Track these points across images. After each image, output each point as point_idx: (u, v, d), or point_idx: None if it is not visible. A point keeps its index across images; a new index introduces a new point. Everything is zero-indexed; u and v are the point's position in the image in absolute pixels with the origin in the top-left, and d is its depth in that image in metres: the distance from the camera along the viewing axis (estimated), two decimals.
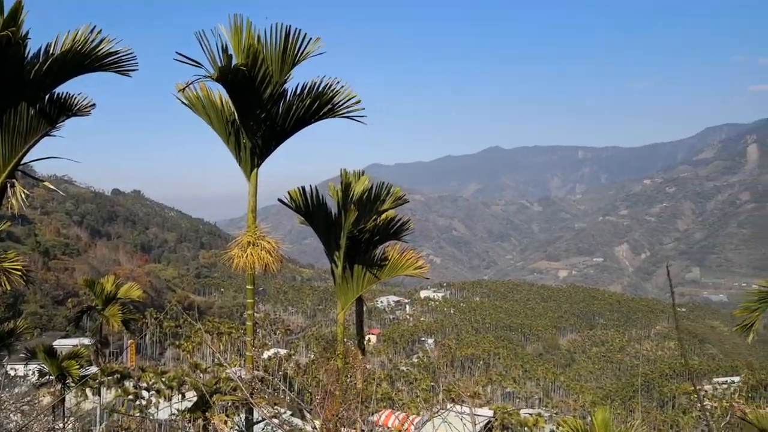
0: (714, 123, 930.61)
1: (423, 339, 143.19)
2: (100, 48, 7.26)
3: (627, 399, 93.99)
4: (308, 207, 10.59)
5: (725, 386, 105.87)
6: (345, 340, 10.98)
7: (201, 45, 8.25)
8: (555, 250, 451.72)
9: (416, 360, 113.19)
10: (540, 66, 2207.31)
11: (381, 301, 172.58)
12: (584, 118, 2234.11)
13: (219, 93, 9.52)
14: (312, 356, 78.36)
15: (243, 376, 9.29)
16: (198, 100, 9.52)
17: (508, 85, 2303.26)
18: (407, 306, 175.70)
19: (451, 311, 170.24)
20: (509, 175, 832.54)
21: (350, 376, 9.84)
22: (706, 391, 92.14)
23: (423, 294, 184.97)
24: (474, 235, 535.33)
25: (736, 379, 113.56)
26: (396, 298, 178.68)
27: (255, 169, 9.51)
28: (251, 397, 8.09)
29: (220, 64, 8.30)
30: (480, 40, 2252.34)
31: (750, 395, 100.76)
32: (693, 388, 74.80)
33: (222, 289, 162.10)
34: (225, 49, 8.20)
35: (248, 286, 9.44)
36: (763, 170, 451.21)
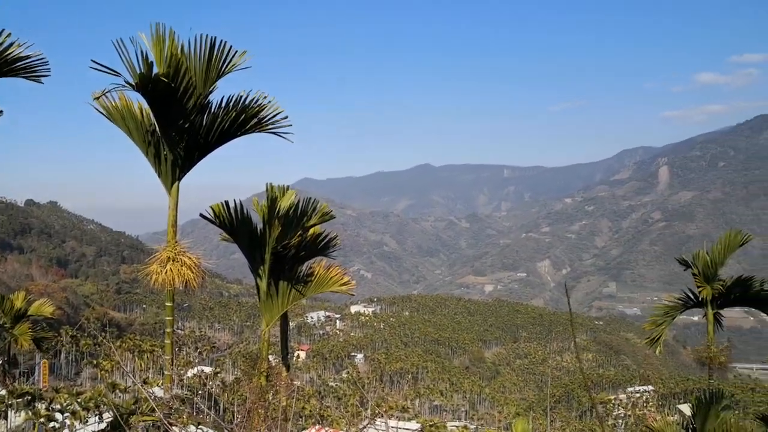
0: (629, 146, 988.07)
1: (353, 354, 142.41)
2: (8, 52, 6.90)
3: (549, 409, 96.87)
4: (232, 222, 10.34)
5: (638, 395, 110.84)
6: (272, 357, 10.78)
7: (119, 53, 7.99)
8: (481, 265, 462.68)
9: (345, 375, 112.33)
10: (468, 85, 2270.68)
11: (311, 317, 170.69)
12: (510, 139, 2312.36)
13: (139, 103, 9.23)
14: (238, 374, 76.35)
15: (161, 396, 8.94)
16: (116, 109, 9.18)
17: (437, 103, 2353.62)
18: (337, 321, 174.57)
19: (381, 326, 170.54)
20: (439, 192, 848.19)
21: (274, 394, 9.67)
22: (620, 400, 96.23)
23: (353, 309, 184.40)
24: (404, 250, 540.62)
25: (650, 388, 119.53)
26: (326, 314, 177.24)
27: (176, 182, 9.24)
28: (169, 418, 7.79)
29: (140, 73, 8.06)
30: (409, 58, 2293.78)
31: (661, 403, 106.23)
32: (589, 396, 77.91)
33: (144, 306, 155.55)
34: (145, 58, 7.97)
35: (167, 303, 9.12)
36: (672, 191, 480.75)
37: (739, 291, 12.67)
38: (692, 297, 12.87)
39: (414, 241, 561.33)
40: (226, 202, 10.22)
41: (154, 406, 7.35)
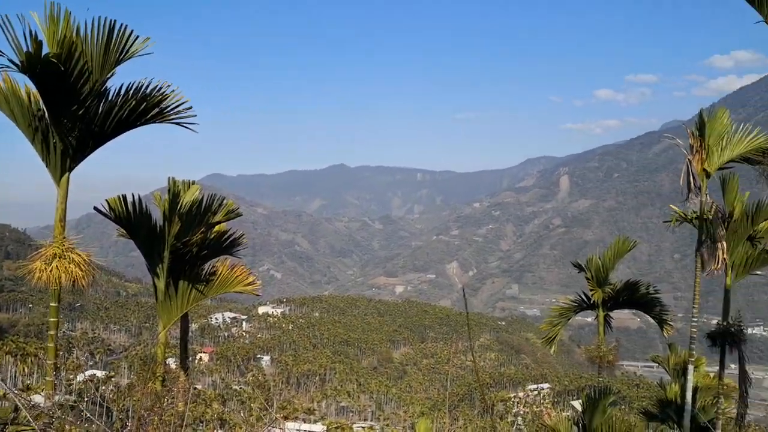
0: (534, 155, 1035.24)
1: (259, 356, 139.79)
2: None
3: (452, 408, 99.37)
4: (129, 217, 9.78)
5: (535, 393, 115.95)
6: (171, 359, 10.29)
7: (4, 30, 7.34)
8: (393, 266, 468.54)
9: (251, 378, 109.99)
10: (385, 88, 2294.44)
11: (216, 318, 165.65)
12: (424, 143, 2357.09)
13: (27, 86, 8.53)
14: (133, 378, 72.78)
15: (41, 404, 8.28)
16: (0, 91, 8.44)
17: (353, 104, 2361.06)
18: (244, 323, 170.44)
19: (290, 327, 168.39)
20: (353, 193, 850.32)
21: (170, 399, 9.23)
22: (520, 397, 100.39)
23: (261, 310, 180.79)
24: (317, 250, 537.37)
25: (545, 385, 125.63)
26: (232, 315, 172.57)
27: (66, 174, 8.60)
28: (49, 427, 7.22)
29: (27, 52, 7.44)
30: (327, 57, 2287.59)
31: (556, 400, 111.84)
32: (482, 396, 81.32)
33: (30, 305, 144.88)
34: (34, 37, 7.36)
35: (52, 304, 8.46)
36: (572, 198, 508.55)
37: (627, 294, 13.55)
38: (585, 299, 13.62)
39: (327, 242, 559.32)
40: (123, 196, 9.65)
41: (29, 416, 6.76)
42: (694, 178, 10.90)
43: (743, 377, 12.81)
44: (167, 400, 9.04)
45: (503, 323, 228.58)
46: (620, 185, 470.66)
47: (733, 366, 14.10)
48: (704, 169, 11.17)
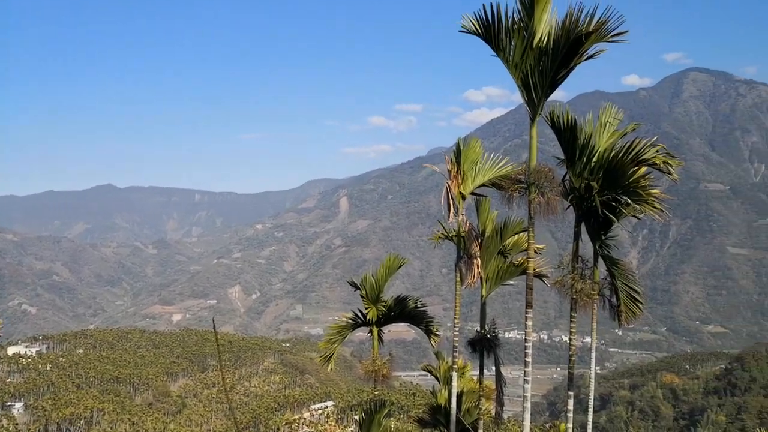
0: (315, 177, 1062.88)
1: (9, 404, 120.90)
2: None
3: None
4: None
5: (320, 412, 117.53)
6: None
7: None
8: (169, 293, 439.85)
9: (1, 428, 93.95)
10: (160, 106, 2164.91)
11: None
12: (203, 163, 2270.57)
13: None
14: None
15: None
16: None
17: (122, 121, 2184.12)
18: None
19: (48, 367, 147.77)
20: (123, 216, 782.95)
21: None
22: (305, 418, 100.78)
23: (11, 351, 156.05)
24: (80, 280, 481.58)
25: (330, 403, 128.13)
26: None
27: None
28: None
29: None
30: (87, 64, 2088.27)
31: (340, 417, 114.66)
32: (235, 424, 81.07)
33: None
34: None
35: None
36: (351, 219, 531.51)
37: (398, 309, 14.32)
38: (361, 316, 14.06)
39: (92, 270, 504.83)
40: None
41: None
42: (452, 200, 11.94)
43: (499, 379, 14.23)
44: None
45: (287, 345, 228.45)
46: (394, 206, 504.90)
47: (494, 369, 15.62)
48: (460, 192, 12.32)
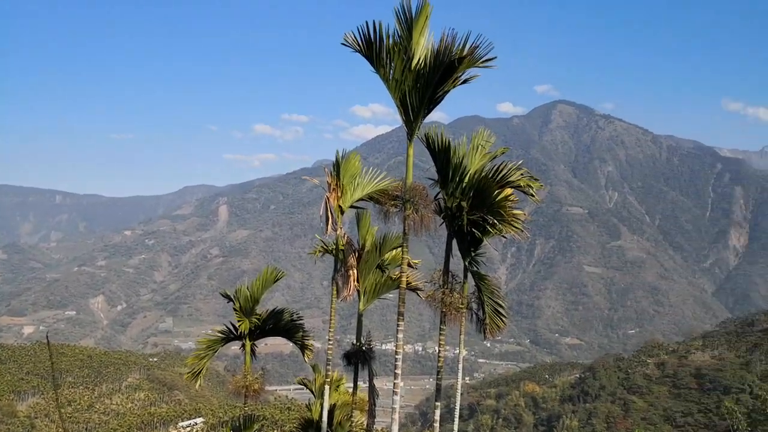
0: (193, 183, 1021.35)
1: None
2: None
3: None
4: None
5: (189, 429, 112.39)
6: None
7: None
8: (21, 303, 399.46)
9: None
10: (21, 98, 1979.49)
11: None
12: (66, 162, 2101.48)
13: None
14: None
15: None
16: None
17: None
18: None
19: None
20: None
21: None
22: None
23: None
24: None
25: (199, 420, 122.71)
26: None
27: None
28: None
29: None
30: None
31: None
32: None
33: None
34: None
35: None
36: (230, 228, 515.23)
37: (273, 322, 14.10)
38: (233, 330, 13.67)
39: None
40: None
41: None
42: (331, 213, 12.03)
43: (372, 391, 14.42)
44: None
45: (155, 360, 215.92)
46: (276, 217, 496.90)
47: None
48: (340, 206, 12.44)
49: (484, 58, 9.63)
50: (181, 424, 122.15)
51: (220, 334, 13.79)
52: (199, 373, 13.27)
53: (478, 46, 9.47)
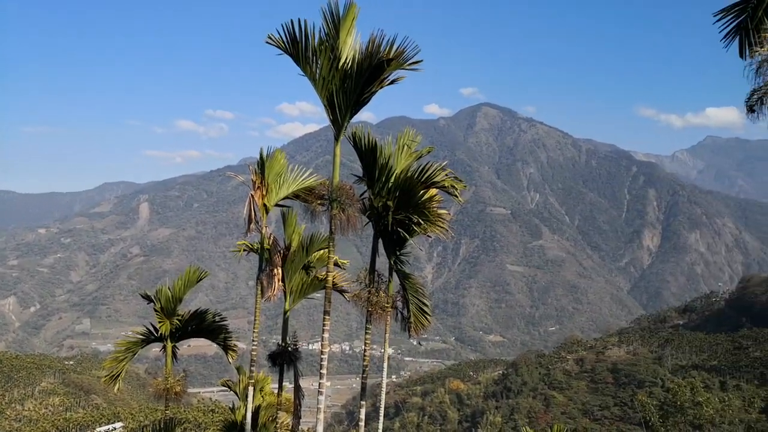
0: (112, 179, 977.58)
1: None
2: None
3: None
4: None
5: None
6: None
7: None
8: None
9: None
10: None
11: None
12: None
13: None
14: None
15: None
16: None
17: None
18: None
19: None
20: None
21: None
22: None
23: None
24: None
25: (118, 425, 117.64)
26: None
27: None
28: None
29: None
30: None
31: None
32: None
33: None
34: None
35: None
36: (152, 227, 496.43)
37: (195, 323, 13.75)
38: (154, 331, 13.23)
39: None
40: None
41: None
42: (255, 211, 11.87)
43: (297, 392, 14.34)
44: None
45: (71, 363, 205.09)
46: (200, 215, 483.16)
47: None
48: (264, 204, 12.29)
49: (411, 60, 9.78)
50: (98, 429, 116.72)
51: (139, 336, 13.32)
52: (118, 376, 12.77)
53: (405, 49, 9.61)
